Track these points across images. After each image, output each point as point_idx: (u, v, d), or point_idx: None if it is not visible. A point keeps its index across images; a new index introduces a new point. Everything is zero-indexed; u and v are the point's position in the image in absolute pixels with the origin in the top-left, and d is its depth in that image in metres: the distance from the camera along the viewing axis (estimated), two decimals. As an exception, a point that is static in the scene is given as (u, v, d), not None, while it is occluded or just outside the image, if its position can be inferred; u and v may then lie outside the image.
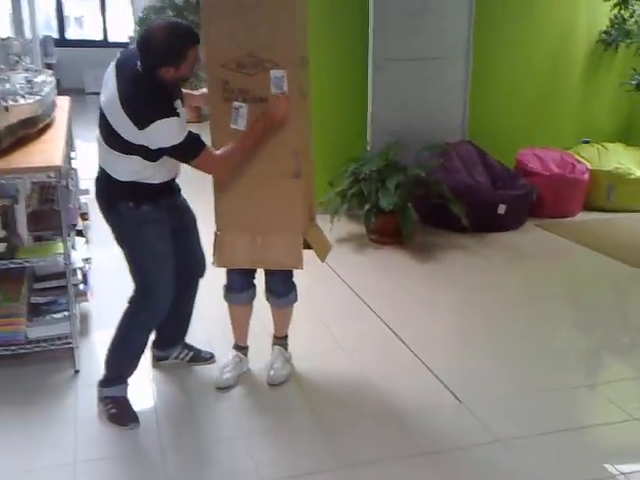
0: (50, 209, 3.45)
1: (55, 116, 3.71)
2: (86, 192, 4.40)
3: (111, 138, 2.44)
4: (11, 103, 3.02)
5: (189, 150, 2.43)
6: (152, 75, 2.39)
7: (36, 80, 3.59)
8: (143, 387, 2.86)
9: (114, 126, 2.40)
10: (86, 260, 3.51)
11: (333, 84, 5.03)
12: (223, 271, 2.86)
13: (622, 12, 5.52)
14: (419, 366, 3.09)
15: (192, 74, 2.48)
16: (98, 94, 2.55)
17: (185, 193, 2.81)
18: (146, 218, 2.54)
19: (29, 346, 2.90)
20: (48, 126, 3.46)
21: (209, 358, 3.06)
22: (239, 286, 2.87)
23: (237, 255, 2.75)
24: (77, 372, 2.94)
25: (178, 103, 2.49)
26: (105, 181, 2.57)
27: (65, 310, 2.98)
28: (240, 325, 2.98)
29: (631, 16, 5.55)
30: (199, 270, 2.88)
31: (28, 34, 6.93)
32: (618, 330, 3.55)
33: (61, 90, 5.16)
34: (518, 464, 2.44)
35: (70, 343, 2.94)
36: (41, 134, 3.30)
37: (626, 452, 2.55)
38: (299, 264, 2.73)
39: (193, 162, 2.47)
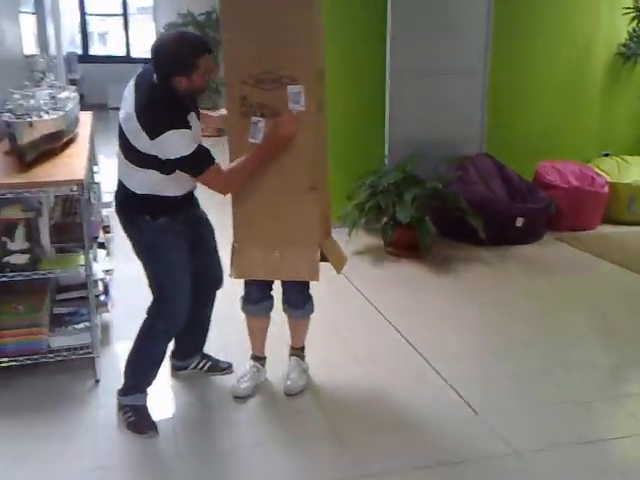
0: (73, 221, 3.53)
1: (78, 131, 3.80)
2: (108, 205, 4.48)
3: (128, 152, 2.49)
4: (35, 119, 3.10)
5: (196, 164, 2.46)
6: (166, 86, 2.43)
7: (60, 96, 3.67)
8: (162, 396, 2.90)
9: (130, 139, 2.45)
10: (107, 272, 3.58)
11: (351, 97, 5.07)
12: (241, 282, 2.90)
13: (640, 25, 5.52)
14: (435, 377, 3.09)
15: (206, 85, 2.50)
16: (120, 109, 2.62)
17: (203, 206, 2.86)
18: (163, 231, 2.58)
19: (51, 355, 2.96)
20: (71, 141, 3.54)
21: (227, 368, 3.09)
22: (256, 297, 2.90)
23: (254, 267, 2.79)
24: (98, 381, 2.99)
25: (192, 116, 2.53)
26: (123, 194, 2.62)
27: (86, 320, 3.03)
28: (257, 336, 3.01)
29: (650, 29, 5.55)
30: (217, 282, 2.92)
31: (53, 51, 7.09)
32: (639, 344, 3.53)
33: (85, 105, 5.28)
34: (534, 477, 2.44)
35: (91, 353, 2.99)
36: (64, 148, 3.38)
37: (645, 466, 2.53)
38: (315, 276, 2.76)
39: (200, 177, 2.50)
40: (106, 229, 4.37)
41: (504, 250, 4.77)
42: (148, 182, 2.53)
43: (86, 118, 4.31)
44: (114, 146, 2.61)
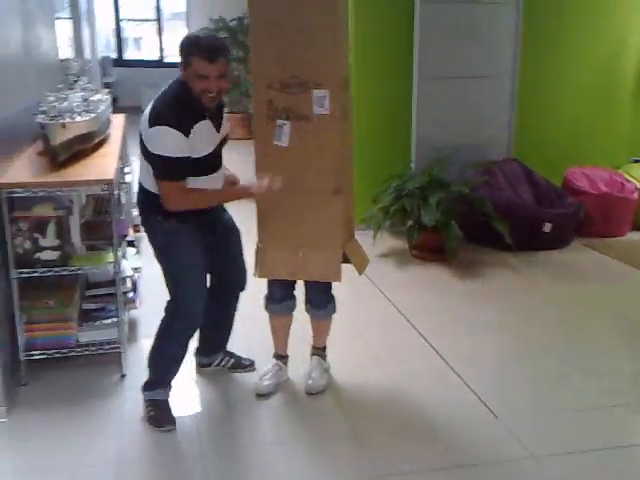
0: (104, 220, 3.60)
1: (110, 132, 3.89)
2: (138, 205, 4.56)
3: (143, 150, 2.54)
4: (68, 120, 3.19)
5: (164, 169, 2.48)
6: (182, 83, 2.49)
7: (92, 99, 3.76)
8: (186, 392, 2.96)
9: (142, 135, 2.51)
10: (136, 269, 3.65)
11: (378, 102, 5.09)
12: (265, 282, 2.94)
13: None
14: (456, 380, 3.10)
15: (201, 93, 2.46)
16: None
17: (230, 208, 2.90)
18: (174, 232, 2.61)
19: (79, 350, 3.04)
20: (103, 142, 3.63)
21: (250, 365, 3.14)
22: (279, 297, 2.94)
23: (278, 267, 2.84)
24: (124, 376, 3.06)
25: (204, 125, 2.52)
26: (141, 193, 2.69)
27: (114, 316, 3.10)
28: (280, 335, 3.05)
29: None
30: (240, 283, 2.97)
31: (88, 55, 7.24)
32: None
33: (119, 108, 5.39)
34: (552, 480, 2.43)
35: (118, 348, 3.06)
36: (96, 149, 3.46)
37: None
38: (338, 277, 2.80)
39: (158, 181, 2.52)
40: (136, 228, 4.46)
41: (531, 256, 4.74)
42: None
43: (119, 120, 4.41)
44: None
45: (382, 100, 5.12)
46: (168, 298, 2.72)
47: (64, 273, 2.97)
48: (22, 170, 3.04)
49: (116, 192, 3.27)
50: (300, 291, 2.96)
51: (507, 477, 2.45)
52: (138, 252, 4.12)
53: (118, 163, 3.37)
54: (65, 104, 3.38)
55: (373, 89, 5.05)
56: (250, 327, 3.33)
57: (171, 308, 2.71)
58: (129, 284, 3.42)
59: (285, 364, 3.07)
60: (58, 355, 3.00)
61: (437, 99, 5.11)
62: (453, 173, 4.74)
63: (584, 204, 5.01)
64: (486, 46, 5.15)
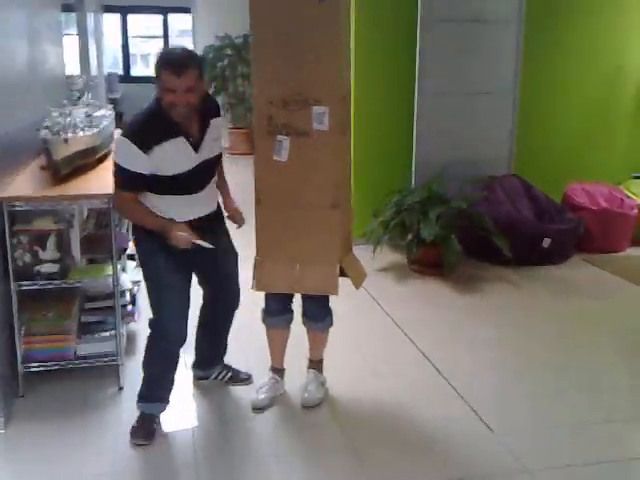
0: (104, 234, 3.63)
1: (112, 147, 3.93)
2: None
3: None
4: (70, 135, 3.25)
5: (114, 176, 2.55)
6: (157, 99, 2.51)
7: (95, 114, 3.82)
8: (182, 405, 2.97)
9: None
10: (135, 282, 3.68)
11: (380, 117, 5.14)
12: (262, 295, 2.96)
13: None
14: (453, 395, 3.10)
15: (171, 107, 2.44)
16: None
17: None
18: (153, 249, 2.62)
19: (77, 362, 3.06)
20: (105, 156, 3.68)
21: (247, 379, 3.15)
22: (276, 310, 2.96)
23: (276, 280, 2.86)
24: (121, 389, 3.08)
25: (172, 143, 2.49)
26: None
27: (112, 329, 3.13)
28: (277, 348, 3.06)
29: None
30: (233, 305, 2.99)
31: (94, 71, 7.35)
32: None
33: (124, 123, 5.43)
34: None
35: (115, 361, 3.08)
36: (98, 164, 3.52)
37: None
38: (335, 290, 2.82)
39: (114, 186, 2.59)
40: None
41: (530, 271, 4.75)
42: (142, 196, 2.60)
43: (121, 135, 4.45)
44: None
45: (384, 115, 5.17)
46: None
47: (64, 286, 3.00)
48: (24, 184, 3.09)
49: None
50: (297, 304, 2.98)
51: (501, 491, 2.46)
52: (138, 265, 4.15)
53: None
54: (68, 119, 3.44)
55: (375, 104, 5.10)
56: (246, 339, 3.35)
57: (151, 325, 2.74)
58: (128, 297, 3.45)
59: (282, 377, 3.08)
60: (56, 367, 3.03)
61: (438, 115, 5.15)
62: (453, 188, 4.77)
63: (584, 220, 5.03)
64: (487, 63, 5.19)
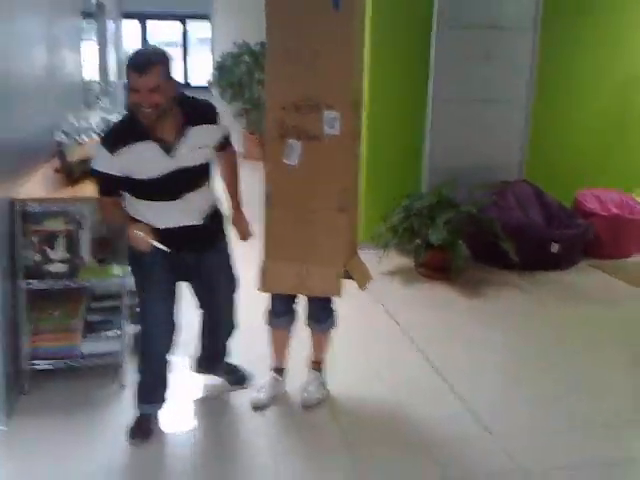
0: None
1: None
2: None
3: None
4: (84, 138, 3.33)
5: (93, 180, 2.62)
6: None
7: (110, 118, 3.91)
8: (181, 402, 3.02)
9: None
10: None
11: (393, 122, 5.16)
12: (265, 295, 2.99)
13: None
14: (455, 398, 3.12)
15: (137, 106, 2.39)
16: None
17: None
18: (135, 256, 2.62)
19: (82, 360, 3.11)
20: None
21: (249, 378, 3.19)
22: (281, 311, 3.01)
23: (281, 282, 2.90)
24: (123, 387, 3.11)
25: (140, 146, 2.45)
26: None
27: (117, 329, 3.19)
28: (279, 348, 3.10)
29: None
30: (226, 330, 3.02)
31: (112, 77, 7.49)
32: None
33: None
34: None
35: (119, 360, 3.14)
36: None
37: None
38: (338, 292, 2.86)
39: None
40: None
41: (538, 276, 4.75)
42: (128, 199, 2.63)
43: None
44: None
45: (396, 120, 5.19)
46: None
47: (72, 285, 3.06)
48: (37, 186, 3.17)
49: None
50: (301, 304, 3.02)
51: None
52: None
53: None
54: (84, 123, 3.53)
55: (388, 109, 5.13)
56: (248, 339, 3.37)
57: (140, 332, 2.79)
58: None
59: (283, 377, 3.12)
60: (61, 365, 3.07)
61: (450, 121, 5.17)
62: (463, 194, 4.79)
63: (593, 225, 5.02)
64: (502, 70, 5.19)
